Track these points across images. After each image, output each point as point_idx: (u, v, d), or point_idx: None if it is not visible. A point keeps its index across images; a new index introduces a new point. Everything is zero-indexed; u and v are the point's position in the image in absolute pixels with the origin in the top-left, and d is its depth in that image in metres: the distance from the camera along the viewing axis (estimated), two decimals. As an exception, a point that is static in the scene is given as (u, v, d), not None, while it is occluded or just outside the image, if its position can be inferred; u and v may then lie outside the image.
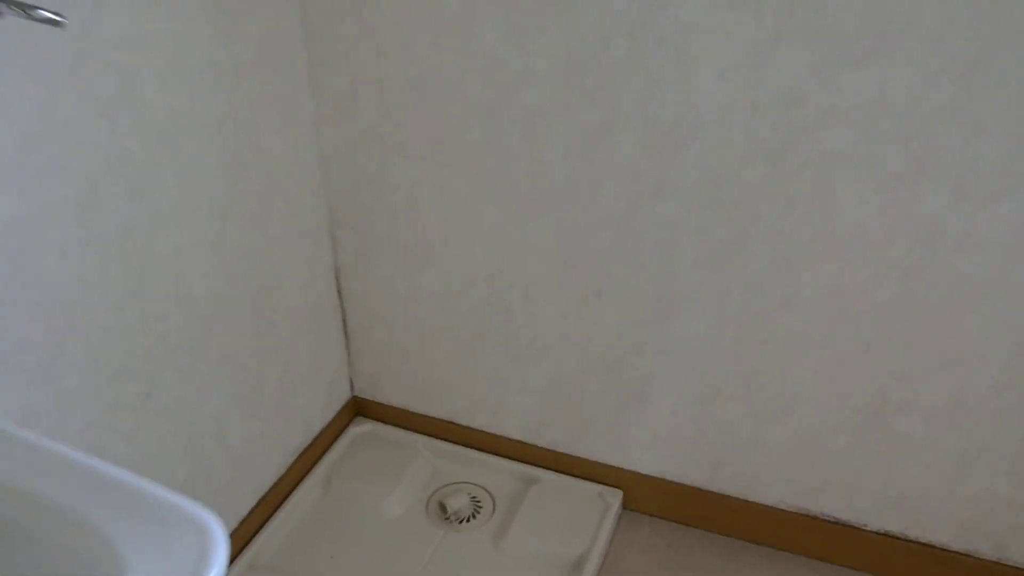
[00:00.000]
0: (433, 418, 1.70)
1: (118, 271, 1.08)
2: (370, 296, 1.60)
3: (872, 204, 1.14)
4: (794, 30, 1.05)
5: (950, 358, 1.22)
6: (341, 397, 1.73)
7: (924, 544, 1.41)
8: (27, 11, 0.77)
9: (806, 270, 1.22)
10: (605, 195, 1.28)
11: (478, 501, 1.60)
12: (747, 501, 1.50)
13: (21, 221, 0.94)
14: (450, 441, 1.71)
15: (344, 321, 1.66)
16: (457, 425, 1.69)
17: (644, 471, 1.55)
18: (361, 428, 1.75)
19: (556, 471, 1.63)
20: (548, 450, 1.62)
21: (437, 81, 1.29)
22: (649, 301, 1.36)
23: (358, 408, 1.78)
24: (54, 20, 0.78)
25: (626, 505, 1.60)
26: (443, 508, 1.58)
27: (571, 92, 1.21)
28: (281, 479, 1.56)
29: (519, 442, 1.64)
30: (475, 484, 1.64)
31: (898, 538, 1.42)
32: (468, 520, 1.57)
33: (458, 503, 1.58)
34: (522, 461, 1.65)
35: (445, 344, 1.59)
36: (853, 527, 1.45)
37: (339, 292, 1.62)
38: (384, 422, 1.76)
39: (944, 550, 1.40)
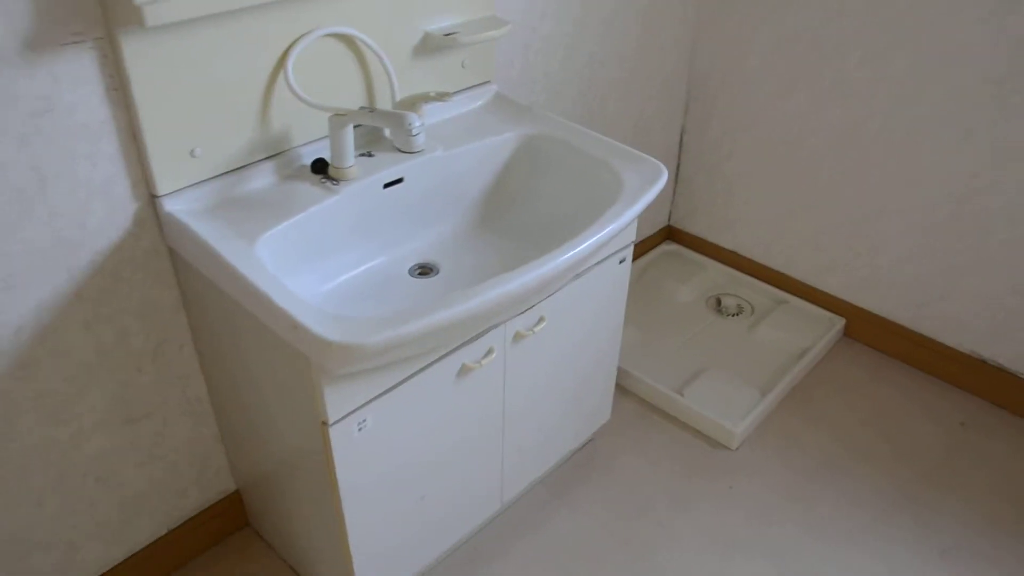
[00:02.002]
0: (722, 248, 2.44)
1: (565, 74, 1.92)
2: (700, 152, 2.35)
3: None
4: None
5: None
6: (661, 221, 2.51)
7: (1064, 395, 1.94)
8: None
9: (1000, 167, 1.80)
10: (878, 96, 1.93)
11: (741, 306, 2.32)
12: (936, 341, 2.09)
13: (552, 38, 1.79)
14: (731, 266, 2.44)
15: (678, 167, 2.42)
16: (738, 255, 2.41)
17: (865, 307, 2.19)
18: (670, 247, 2.54)
19: (802, 297, 2.31)
20: (799, 281, 2.30)
21: (785, 6, 1.99)
22: (894, 175, 1.98)
23: (670, 233, 2.55)
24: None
25: (847, 332, 2.25)
26: (718, 303, 2.33)
27: (870, 24, 1.86)
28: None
29: (780, 272, 2.34)
30: (742, 295, 2.36)
31: (1046, 388, 1.96)
32: (733, 315, 2.30)
33: (729, 302, 2.32)
34: (778, 287, 2.35)
35: (743, 194, 2.31)
36: (1016, 375, 1.99)
37: (680, 146, 2.38)
38: (686, 246, 2.52)
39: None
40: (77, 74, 1.11)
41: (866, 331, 2.21)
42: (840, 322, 2.23)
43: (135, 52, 1.11)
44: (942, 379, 2.11)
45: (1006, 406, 2.02)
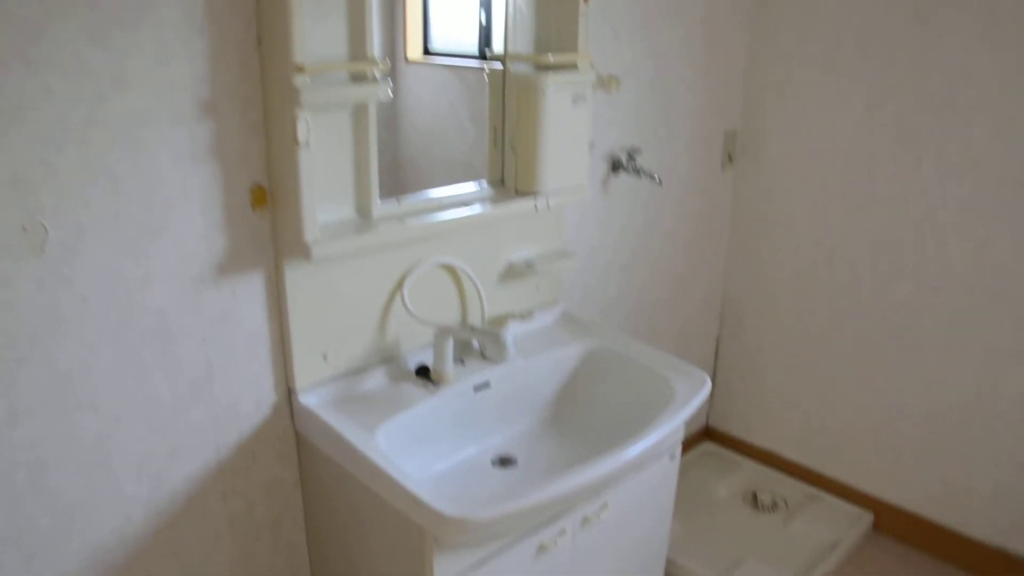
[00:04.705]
0: (757, 446, 2.66)
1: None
2: (734, 360, 2.63)
3: None
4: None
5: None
6: (700, 423, 2.75)
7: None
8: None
9: (1002, 371, 2.04)
10: (889, 312, 2.21)
11: (776, 502, 2.51)
12: (962, 535, 2.25)
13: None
14: (765, 463, 2.65)
15: (715, 373, 2.69)
16: (772, 453, 2.63)
17: (891, 502, 2.37)
18: (707, 447, 2.76)
19: (832, 492, 2.50)
20: (829, 477, 2.50)
21: (801, 239, 2.33)
22: (910, 379, 2.23)
23: (708, 433, 2.78)
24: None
25: (876, 525, 2.41)
26: (754, 498, 2.52)
27: (874, 247, 2.18)
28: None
29: (811, 469, 2.54)
30: (777, 491, 2.55)
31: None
32: (769, 510, 2.48)
33: (764, 498, 2.51)
34: (810, 483, 2.54)
35: (775, 398, 2.56)
36: (1039, 571, 2.14)
37: (716, 354, 2.67)
38: (724, 445, 2.75)
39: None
40: (249, 292, 1.43)
41: (894, 525, 2.38)
42: (868, 516, 2.41)
43: (294, 277, 1.44)
44: (970, 571, 2.25)
45: (1034, 604, 2.16)
